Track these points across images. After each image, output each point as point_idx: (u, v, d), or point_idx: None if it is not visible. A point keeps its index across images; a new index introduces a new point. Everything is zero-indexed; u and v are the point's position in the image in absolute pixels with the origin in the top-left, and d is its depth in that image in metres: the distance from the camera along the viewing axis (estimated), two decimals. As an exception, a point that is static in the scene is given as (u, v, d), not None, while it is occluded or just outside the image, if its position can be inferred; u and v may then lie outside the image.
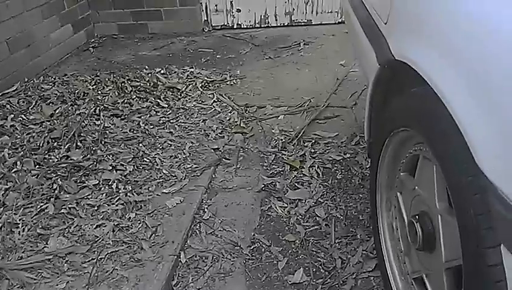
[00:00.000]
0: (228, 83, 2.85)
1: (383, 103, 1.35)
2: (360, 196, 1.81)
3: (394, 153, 1.31)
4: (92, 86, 2.84)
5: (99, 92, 2.77)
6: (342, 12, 3.59)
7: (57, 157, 2.12)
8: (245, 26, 3.79)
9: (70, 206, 1.81)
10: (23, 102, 2.71)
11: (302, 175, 1.98)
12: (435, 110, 0.99)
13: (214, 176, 2.02)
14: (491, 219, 0.79)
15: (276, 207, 1.81)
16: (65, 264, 1.56)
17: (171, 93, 2.74)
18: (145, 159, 2.14)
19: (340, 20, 3.63)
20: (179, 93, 2.74)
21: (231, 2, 3.72)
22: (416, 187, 1.19)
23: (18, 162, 2.10)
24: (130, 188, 1.92)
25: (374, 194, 1.44)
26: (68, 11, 3.54)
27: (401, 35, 1.17)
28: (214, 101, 2.64)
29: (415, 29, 1.11)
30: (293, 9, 3.65)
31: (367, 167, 1.95)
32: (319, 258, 1.55)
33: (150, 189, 1.92)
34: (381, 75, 1.32)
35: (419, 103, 1.10)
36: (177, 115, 2.52)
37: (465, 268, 0.88)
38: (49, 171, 2.03)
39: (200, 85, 2.82)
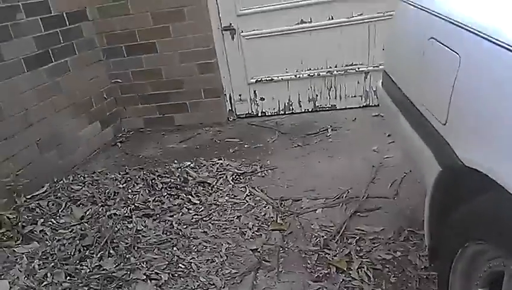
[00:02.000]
0: (259, 174, 2.79)
1: (448, 208, 1.25)
2: (422, 303, 1.64)
3: (468, 266, 1.18)
4: (122, 184, 2.81)
5: (130, 190, 2.72)
6: (366, 96, 3.61)
7: (89, 267, 2.02)
8: (269, 114, 3.82)
9: (104, 327, 1.68)
10: (53, 204, 2.68)
11: (350, 278, 1.82)
12: None
13: (255, 283, 1.88)
14: None
15: (328, 320, 1.64)
16: None
17: (202, 188, 2.68)
18: (180, 265, 2.02)
19: (365, 104, 3.64)
20: (210, 188, 2.68)
21: (255, 91, 3.79)
22: None
23: (49, 274, 2.01)
24: (167, 302, 1.79)
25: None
26: (96, 109, 3.63)
27: (470, 138, 1.09)
28: (247, 195, 2.56)
29: (488, 131, 1.03)
30: (317, 95, 3.69)
31: (423, 267, 1.80)
32: None
33: (188, 302, 1.79)
34: (444, 179, 1.23)
35: (498, 212, 1.00)
36: (210, 212, 2.43)
37: None
38: (80, 284, 1.92)
39: (231, 178, 2.77)
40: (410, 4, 1.69)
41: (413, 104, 1.48)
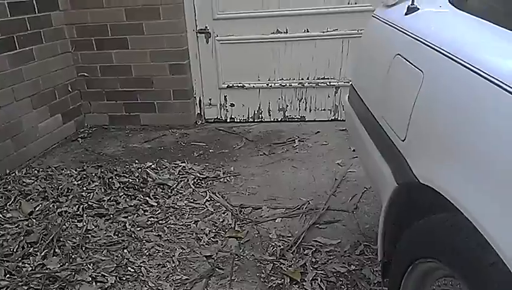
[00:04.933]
0: (222, 180, 2.74)
1: (400, 226, 1.24)
2: (371, 320, 1.62)
3: (418, 284, 1.16)
4: (78, 181, 2.70)
5: (85, 187, 2.61)
6: (336, 110, 3.64)
7: (32, 265, 1.91)
8: (238, 120, 3.79)
9: (39, 329, 1.57)
10: (1, 197, 2.54)
11: (304, 290, 1.79)
12: (471, 242, 0.88)
13: (206, 291, 1.82)
14: None
15: (277, 332, 1.60)
16: None
17: (161, 190, 2.60)
18: (129, 268, 1.94)
19: (333, 118, 3.65)
20: (169, 191, 2.60)
21: (225, 96, 3.75)
22: None
23: (-14, 270, 1.88)
24: (111, 306, 1.70)
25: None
26: (59, 101, 3.50)
27: (427, 156, 1.08)
28: (207, 200, 2.50)
29: (444, 151, 1.02)
30: (287, 105, 3.69)
31: (376, 282, 1.78)
32: None
33: (133, 307, 1.71)
34: (399, 195, 1.22)
35: (449, 232, 0.99)
36: (167, 215, 2.36)
37: None
38: (20, 283, 1.80)
39: (192, 182, 2.70)
40: (380, 20, 1.70)
41: (376, 119, 1.48)
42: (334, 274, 1.87)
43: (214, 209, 2.41)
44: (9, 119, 2.96)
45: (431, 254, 1.06)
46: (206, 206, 2.44)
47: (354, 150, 2.90)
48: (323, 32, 3.42)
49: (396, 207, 1.24)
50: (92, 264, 1.93)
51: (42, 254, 1.97)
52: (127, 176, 2.74)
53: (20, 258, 1.96)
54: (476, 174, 0.88)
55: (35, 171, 2.88)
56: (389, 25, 1.57)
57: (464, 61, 0.99)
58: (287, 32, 3.47)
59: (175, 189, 2.62)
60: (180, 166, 2.91)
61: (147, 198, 2.51)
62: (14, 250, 2.01)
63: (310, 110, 3.68)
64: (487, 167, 0.85)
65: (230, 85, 3.69)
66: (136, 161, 3.00)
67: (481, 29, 1.16)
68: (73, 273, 1.86)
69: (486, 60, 0.95)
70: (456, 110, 1.00)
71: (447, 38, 1.16)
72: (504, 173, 0.80)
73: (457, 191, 0.92)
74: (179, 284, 1.84)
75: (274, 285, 1.84)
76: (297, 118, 3.71)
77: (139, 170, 2.83)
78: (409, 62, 1.27)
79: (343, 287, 1.80)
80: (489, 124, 0.87)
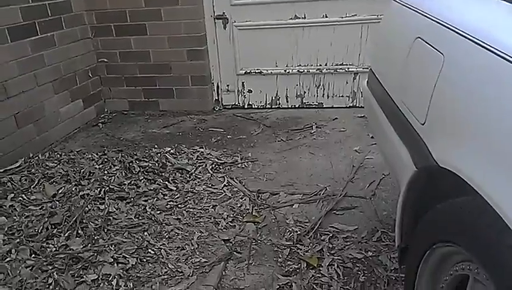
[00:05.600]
0: (239, 165, 2.76)
1: (420, 209, 1.23)
2: (388, 305, 1.63)
3: (435, 269, 1.16)
4: (99, 165, 2.75)
5: (106, 171, 2.67)
6: (354, 96, 3.60)
7: (56, 246, 1.97)
8: (256, 107, 3.79)
9: (64, 306, 1.63)
10: (26, 180, 2.61)
11: (320, 275, 1.81)
12: (488, 226, 0.87)
13: (224, 273, 1.85)
14: None
15: (293, 314, 1.63)
16: None
17: (180, 175, 2.64)
18: (149, 250, 1.98)
19: (351, 104, 3.62)
20: (188, 175, 2.64)
21: (243, 82, 3.75)
22: None
23: (13, 250, 1.95)
24: (132, 286, 1.75)
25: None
26: (80, 87, 3.56)
27: (446, 140, 1.07)
28: (225, 185, 2.53)
29: (464, 134, 1.01)
30: (304, 92, 3.67)
31: (392, 269, 1.79)
32: None
33: (153, 287, 1.75)
34: (418, 179, 1.21)
35: (469, 215, 0.98)
36: (186, 199, 2.39)
37: None
38: (45, 263, 1.86)
39: (210, 167, 2.73)
40: (400, 3, 1.67)
41: (395, 103, 1.46)
42: (351, 260, 1.88)
43: (232, 194, 2.43)
44: (31, 103, 3.03)
45: (450, 237, 1.05)
46: (224, 191, 2.47)
47: (372, 137, 2.88)
48: (342, 17, 3.38)
49: (415, 192, 1.24)
50: (113, 246, 1.98)
51: (65, 235, 2.03)
52: (147, 160, 2.78)
53: (44, 239, 2.02)
54: (496, 157, 0.87)
55: (58, 155, 2.94)
56: (409, 8, 1.54)
57: (485, 43, 0.97)
58: (305, 17, 3.44)
59: (193, 174, 2.65)
60: (199, 151, 2.93)
61: (166, 182, 2.55)
62: (39, 231, 2.07)
63: (328, 97, 3.65)
64: (507, 150, 0.84)
65: (248, 71, 3.69)
66: (155, 146, 3.04)
67: (502, 11, 1.13)
68: (95, 254, 1.91)
69: (508, 42, 0.93)
70: (476, 93, 0.99)
71: (467, 20, 1.14)
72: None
73: (476, 174, 0.92)
74: (197, 267, 1.88)
75: (291, 269, 1.86)
76: (315, 105, 3.69)
77: (159, 154, 2.87)
78: (430, 45, 1.25)
79: (359, 273, 1.81)
80: (510, 107, 0.86)
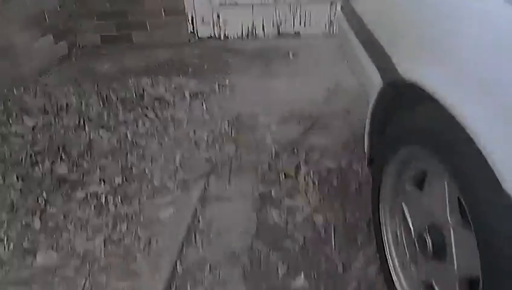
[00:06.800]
0: (217, 92, 2.80)
1: (386, 119, 1.32)
2: (358, 203, 1.77)
3: (399, 168, 1.27)
4: (75, 97, 2.75)
5: (83, 103, 2.67)
6: (330, 24, 3.61)
7: (41, 171, 2.02)
8: (232, 38, 3.76)
9: (57, 220, 1.72)
10: (3, 114, 2.60)
11: (297, 183, 1.93)
12: (449, 128, 0.96)
13: (207, 186, 1.95)
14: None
15: (272, 215, 1.76)
16: (56, 279, 1.47)
17: (158, 104, 2.67)
18: (134, 171, 2.06)
19: (328, 32, 3.63)
20: (166, 104, 2.67)
21: (218, 14, 3.69)
22: (425, 200, 1.16)
23: (0, 177, 1.99)
24: (120, 201, 1.84)
25: (376, 203, 1.40)
26: (50, 22, 3.44)
27: (409, 55, 1.15)
28: (204, 111, 2.58)
29: (425, 48, 1.09)
30: (281, 20, 3.65)
31: (364, 174, 1.92)
32: (320, 264, 1.50)
33: (140, 201, 1.84)
34: (385, 93, 1.29)
35: (431, 121, 1.07)
36: (166, 126, 2.45)
37: (484, 280, 0.85)
38: (33, 186, 1.92)
39: (189, 95, 2.76)
40: None
41: (364, 23, 1.52)
42: (326, 170, 2.00)
43: (211, 119, 2.49)
44: (1, 41, 2.94)
45: (414, 139, 1.14)
46: (203, 116, 2.53)
47: (347, 61, 2.94)
48: None
49: (382, 104, 1.32)
50: (98, 168, 2.05)
51: (50, 161, 2.08)
52: (124, 91, 2.79)
53: (29, 166, 2.06)
54: (453, 68, 0.95)
55: (33, 90, 2.91)
56: None
57: None
58: None
59: (172, 102, 2.69)
60: (176, 81, 2.95)
61: (146, 111, 2.58)
62: (23, 159, 2.11)
63: (305, 25, 3.65)
64: (459, 59, 0.92)
65: (223, 2, 3.62)
66: (132, 78, 3.03)
67: None
68: (81, 176, 1.98)
69: None
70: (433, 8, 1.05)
71: None
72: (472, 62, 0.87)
73: (438, 86, 0.99)
74: (181, 182, 1.97)
75: (270, 181, 1.97)
76: (292, 34, 3.69)
77: (136, 85, 2.87)
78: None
79: (333, 179, 1.94)
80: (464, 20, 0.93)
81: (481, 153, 0.82)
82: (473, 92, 0.89)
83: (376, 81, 1.35)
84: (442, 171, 1.03)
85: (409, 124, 1.18)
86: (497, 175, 0.79)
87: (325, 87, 2.74)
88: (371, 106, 1.39)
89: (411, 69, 1.12)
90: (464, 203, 0.93)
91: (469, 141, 0.86)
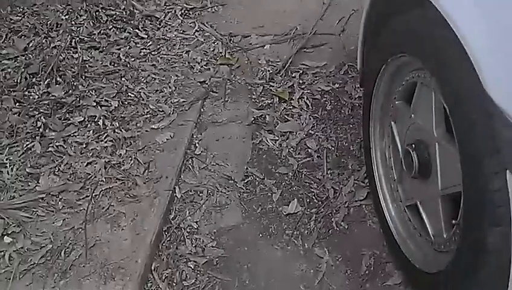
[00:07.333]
0: (209, 10, 2.71)
1: (378, 28, 1.32)
2: (351, 126, 1.83)
3: (390, 81, 1.30)
4: (65, 16, 2.66)
5: (73, 22, 2.59)
6: None
7: (38, 94, 2.03)
8: None
9: (57, 144, 1.78)
10: (-8, 35, 2.53)
11: (291, 107, 1.98)
12: (439, 34, 0.97)
13: (202, 110, 2.00)
14: (497, 143, 0.80)
15: (267, 140, 1.83)
16: (59, 202, 1.57)
17: (149, 22, 2.60)
18: (129, 94, 2.08)
19: None
20: (158, 22, 2.60)
21: None
22: (412, 115, 1.20)
23: (-4, 101, 2.01)
24: (118, 125, 1.89)
25: (367, 124, 1.45)
26: None
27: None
28: (196, 31, 2.52)
29: None
30: None
31: (356, 97, 1.96)
32: (312, 189, 1.60)
33: (138, 125, 1.90)
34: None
35: (422, 26, 1.07)
36: (159, 46, 2.41)
37: (465, 194, 0.91)
38: (31, 109, 1.96)
39: (180, 13, 2.68)
40: None
41: None
42: (319, 92, 2.04)
43: (204, 39, 2.45)
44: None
45: (403, 49, 1.16)
46: (196, 36, 2.48)
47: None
48: None
49: (376, 10, 1.30)
50: (94, 91, 2.06)
51: (45, 83, 2.08)
52: (113, 9, 2.68)
53: (25, 88, 2.07)
54: None
55: (20, 9, 2.79)
56: None
57: None
58: None
59: (163, 21, 2.61)
60: (166, -3, 2.83)
61: (137, 30, 2.52)
62: (18, 81, 2.10)
63: None
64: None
65: None
66: (120, -6, 2.91)
67: None
68: (78, 99, 2.00)
69: None
70: None
71: None
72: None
73: None
74: (177, 106, 2.01)
75: (264, 104, 2.02)
76: None
77: (124, 2, 2.76)
78: None
79: (327, 102, 1.98)
80: None
81: (469, 58, 0.82)
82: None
83: None
84: (430, 82, 1.07)
85: (400, 30, 1.19)
86: (481, 79, 0.79)
87: (319, 3, 2.65)
88: (364, 13, 1.38)
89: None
90: (448, 112, 0.96)
91: (457, 44, 0.85)
